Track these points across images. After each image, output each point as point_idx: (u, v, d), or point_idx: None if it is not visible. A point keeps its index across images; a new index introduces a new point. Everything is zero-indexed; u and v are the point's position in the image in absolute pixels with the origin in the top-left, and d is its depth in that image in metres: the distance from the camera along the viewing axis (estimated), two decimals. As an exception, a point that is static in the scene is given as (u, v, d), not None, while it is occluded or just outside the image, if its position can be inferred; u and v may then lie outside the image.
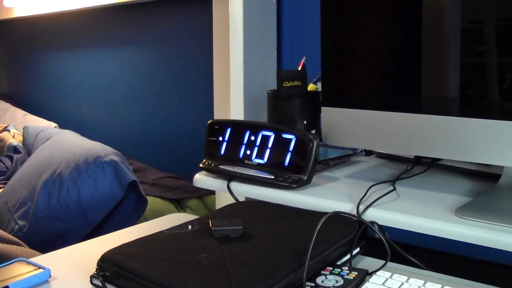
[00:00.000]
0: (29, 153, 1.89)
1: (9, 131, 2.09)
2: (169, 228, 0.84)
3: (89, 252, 0.88)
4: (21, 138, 2.04)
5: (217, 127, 1.10)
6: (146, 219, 1.48)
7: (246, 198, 1.05)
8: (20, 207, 1.49)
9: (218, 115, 1.56)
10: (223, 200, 1.56)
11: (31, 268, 0.79)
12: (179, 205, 1.73)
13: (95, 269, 0.74)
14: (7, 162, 1.91)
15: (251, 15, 1.41)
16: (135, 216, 1.49)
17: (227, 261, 0.70)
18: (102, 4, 1.96)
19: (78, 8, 2.06)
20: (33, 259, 0.83)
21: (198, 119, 1.86)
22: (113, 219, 1.48)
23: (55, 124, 2.14)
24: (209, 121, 1.11)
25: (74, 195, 1.44)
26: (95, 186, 1.44)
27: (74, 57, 2.32)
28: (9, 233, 1.46)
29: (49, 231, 1.43)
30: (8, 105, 2.47)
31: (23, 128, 2.06)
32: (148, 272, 0.68)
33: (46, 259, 0.86)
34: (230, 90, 1.44)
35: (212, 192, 1.66)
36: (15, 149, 1.96)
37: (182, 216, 1.12)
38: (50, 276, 0.78)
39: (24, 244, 1.37)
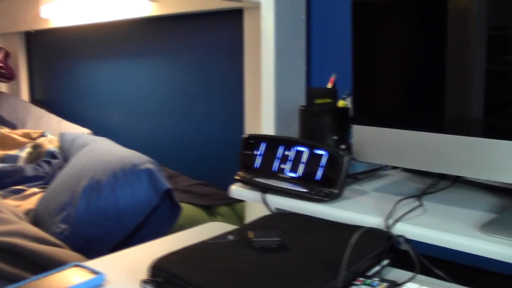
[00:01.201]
0: (65, 159, 1.96)
1: (46, 137, 2.18)
2: (211, 238, 0.90)
3: (137, 257, 0.95)
4: (57, 143, 2.12)
5: (252, 141, 1.16)
6: (179, 225, 1.55)
7: (277, 209, 1.11)
8: (60, 212, 1.56)
9: (249, 127, 1.62)
10: (252, 208, 1.63)
11: (86, 272, 0.86)
12: (209, 211, 1.79)
13: (146, 275, 0.81)
14: (45, 167, 2.00)
15: (282, 31, 1.47)
16: (169, 222, 1.55)
17: (267, 270, 0.77)
18: (135, 17, 2.03)
19: (112, 20, 2.14)
20: (85, 264, 0.90)
21: (226, 129, 1.93)
22: (147, 225, 1.55)
23: (89, 131, 2.21)
24: (245, 136, 1.18)
25: (112, 201, 1.51)
26: (131, 193, 1.51)
27: (107, 66, 2.39)
28: (52, 236, 1.54)
29: (87, 235, 1.51)
30: (43, 111, 2.55)
31: (59, 134, 2.14)
32: (196, 280, 0.74)
33: (96, 264, 0.92)
34: (260, 103, 1.49)
35: (241, 200, 1.73)
36: (52, 155, 2.04)
37: (217, 225, 1.18)
38: (104, 280, 0.85)
39: (66, 246, 1.44)
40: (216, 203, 1.81)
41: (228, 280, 0.74)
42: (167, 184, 1.53)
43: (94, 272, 0.86)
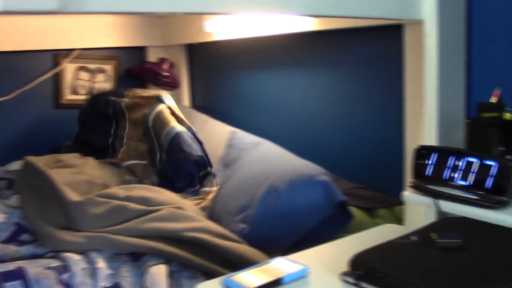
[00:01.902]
0: (234, 159, 2.16)
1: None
2: (396, 238, 1.04)
3: (331, 253, 1.11)
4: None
5: (424, 152, 1.29)
6: (346, 226, 1.70)
7: (446, 213, 1.22)
8: (240, 212, 1.76)
9: (410, 136, 1.73)
10: (412, 211, 1.73)
11: (292, 264, 1.03)
12: (370, 213, 1.92)
13: (346, 268, 0.96)
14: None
15: (444, 46, 1.55)
16: (339, 228, 1.68)
17: (454, 268, 0.89)
18: (295, 32, 2.19)
19: (273, 34, 2.31)
20: (289, 257, 1.07)
21: (383, 137, 2.05)
22: (319, 230, 1.69)
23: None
24: (417, 147, 1.30)
25: (288, 207, 1.68)
26: (306, 201, 1.67)
27: (266, 76, 2.56)
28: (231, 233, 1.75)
29: (264, 235, 1.68)
30: (206, 116, 2.70)
31: (231, 132, 2.36)
32: (394, 273, 0.88)
33: (296, 258, 1.09)
34: (422, 114, 1.59)
35: (400, 203, 1.83)
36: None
37: (392, 227, 1.32)
38: (308, 272, 1.01)
39: (244, 243, 1.63)
40: (376, 206, 1.94)
41: (420, 274, 0.88)
42: (341, 196, 1.67)
43: (299, 264, 1.02)
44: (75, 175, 2.01)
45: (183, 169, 2.12)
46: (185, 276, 1.51)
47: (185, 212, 1.70)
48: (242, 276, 0.99)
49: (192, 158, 2.12)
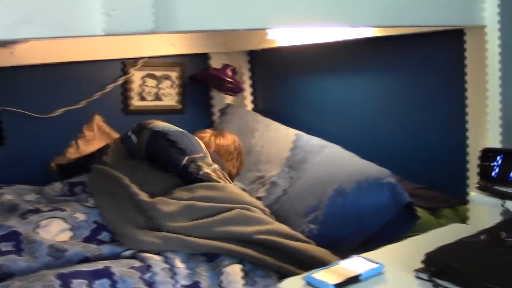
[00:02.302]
0: (300, 161, 2.24)
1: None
2: (466, 237, 1.11)
3: (400, 252, 1.19)
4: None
5: (489, 154, 1.34)
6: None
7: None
8: (309, 213, 1.85)
9: (473, 138, 1.77)
10: (477, 211, 1.78)
11: (368, 262, 1.11)
12: (434, 213, 1.97)
13: (419, 265, 1.03)
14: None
15: (506, 50, 1.60)
16: (405, 229, 1.75)
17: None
18: (355, 38, 2.25)
19: (333, 41, 2.38)
20: (364, 255, 1.15)
21: (444, 137, 2.09)
22: (385, 230, 1.76)
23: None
24: (482, 149, 1.36)
25: (355, 208, 1.76)
26: (373, 203, 1.74)
27: (327, 80, 2.62)
28: (299, 233, 1.84)
29: (333, 235, 1.77)
30: (270, 120, 2.78)
31: (296, 134, 2.44)
32: (468, 270, 0.95)
33: (369, 256, 1.16)
34: (486, 118, 1.64)
35: (463, 203, 1.88)
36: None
37: (459, 226, 1.38)
38: (383, 269, 1.09)
39: (313, 243, 1.71)
40: (439, 206, 1.99)
41: (492, 271, 0.94)
42: (407, 197, 1.73)
43: (374, 262, 1.10)
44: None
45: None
46: (259, 275, 1.58)
47: (254, 214, 1.76)
48: (322, 273, 1.07)
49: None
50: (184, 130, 2.11)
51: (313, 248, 1.66)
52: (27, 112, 2.67)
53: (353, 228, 1.76)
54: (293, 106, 2.88)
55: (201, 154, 1.99)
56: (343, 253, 1.45)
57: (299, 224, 1.87)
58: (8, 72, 2.61)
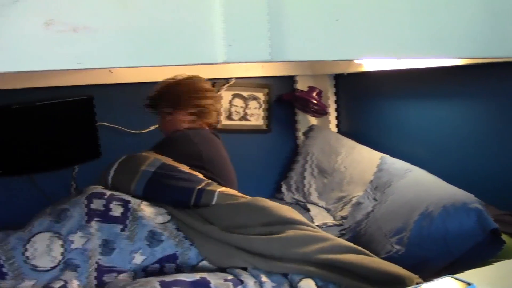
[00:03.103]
0: (384, 184, 2.30)
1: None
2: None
3: (490, 275, 1.23)
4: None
5: None
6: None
7: None
8: (395, 234, 1.90)
9: None
10: None
11: (460, 283, 1.16)
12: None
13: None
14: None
15: None
16: (489, 254, 1.76)
17: None
18: (441, 66, 2.28)
19: (420, 67, 2.42)
20: (457, 276, 1.20)
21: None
22: (470, 254, 1.77)
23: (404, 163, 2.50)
24: None
25: (442, 232, 1.79)
26: (459, 227, 1.77)
27: (413, 106, 2.64)
28: (385, 254, 1.89)
29: (419, 257, 1.81)
30: (354, 142, 2.86)
31: (381, 157, 2.51)
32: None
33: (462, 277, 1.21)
34: None
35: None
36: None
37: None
38: (475, 289, 1.14)
39: (375, 256, 1.67)
40: (524, 232, 2.00)
41: None
42: (494, 223, 1.76)
43: (467, 283, 1.15)
44: None
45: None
46: None
47: (309, 232, 1.75)
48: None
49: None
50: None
51: (385, 264, 1.63)
52: (122, 128, 2.86)
53: (439, 251, 1.80)
54: (376, 129, 2.93)
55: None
56: (428, 275, 1.50)
57: (385, 244, 1.92)
58: (106, 90, 2.79)
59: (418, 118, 2.61)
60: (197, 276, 1.65)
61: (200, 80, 2.50)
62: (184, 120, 2.40)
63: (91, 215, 1.77)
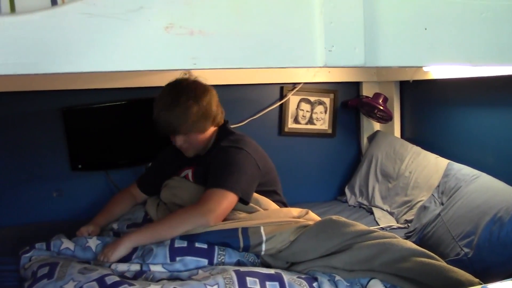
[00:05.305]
0: (451, 189, 2.34)
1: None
2: None
3: None
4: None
5: None
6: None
7: None
8: (464, 238, 1.95)
9: None
10: None
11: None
12: None
13: None
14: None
15: None
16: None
17: None
18: (506, 74, 2.29)
19: (489, 76, 2.43)
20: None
21: None
22: None
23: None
24: None
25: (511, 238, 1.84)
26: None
27: (480, 114, 2.64)
28: (454, 256, 1.94)
29: (488, 261, 1.86)
30: (419, 148, 2.92)
31: (448, 163, 2.54)
32: None
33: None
34: None
35: None
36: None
37: None
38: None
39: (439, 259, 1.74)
40: None
41: None
42: None
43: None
44: None
45: None
46: None
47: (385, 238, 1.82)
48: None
49: None
50: None
51: (446, 269, 1.68)
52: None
53: (508, 256, 1.84)
54: (442, 136, 2.95)
55: None
56: (497, 279, 1.55)
57: (454, 247, 1.98)
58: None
59: (486, 126, 2.62)
60: (271, 270, 1.76)
61: (200, 82, 2.31)
62: (213, 130, 2.32)
63: None
